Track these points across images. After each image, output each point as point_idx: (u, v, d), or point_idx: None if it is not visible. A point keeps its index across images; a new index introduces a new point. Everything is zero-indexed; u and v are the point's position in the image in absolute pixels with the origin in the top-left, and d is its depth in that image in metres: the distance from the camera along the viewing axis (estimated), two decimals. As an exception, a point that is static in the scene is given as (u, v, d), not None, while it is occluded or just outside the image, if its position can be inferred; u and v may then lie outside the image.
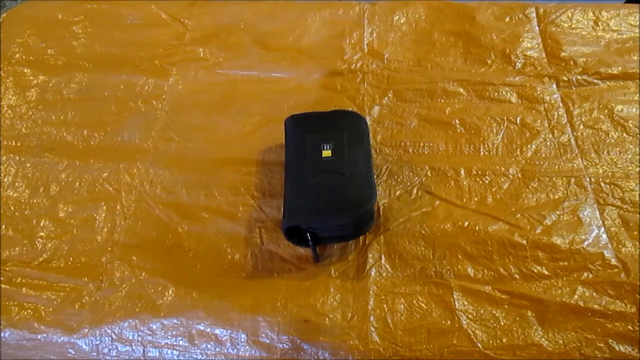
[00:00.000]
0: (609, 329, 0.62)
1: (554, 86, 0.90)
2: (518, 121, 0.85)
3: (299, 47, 1.00)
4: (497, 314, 0.64)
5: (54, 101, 0.91)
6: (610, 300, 0.64)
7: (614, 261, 0.67)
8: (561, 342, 0.61)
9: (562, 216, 0.72)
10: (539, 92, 0.89)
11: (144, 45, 1.00)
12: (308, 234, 0.65)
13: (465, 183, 0.77)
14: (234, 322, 0.64)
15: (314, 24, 1.04)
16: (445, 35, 1.00)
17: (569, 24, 1.00)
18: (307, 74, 0.94)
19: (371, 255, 0.69)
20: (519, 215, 0.72)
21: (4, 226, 0.75)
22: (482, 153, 0.81)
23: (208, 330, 0.64)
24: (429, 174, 0.78)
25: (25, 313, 0.66)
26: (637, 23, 1.00)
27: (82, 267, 0.70)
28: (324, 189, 0.68)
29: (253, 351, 0.63)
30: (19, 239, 0.73)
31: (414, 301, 0.65)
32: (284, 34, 1.02)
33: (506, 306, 0.64)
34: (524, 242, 0.69)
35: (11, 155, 0.83)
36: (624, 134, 0.82)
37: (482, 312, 0.64)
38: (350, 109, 0.87)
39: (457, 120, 0.85)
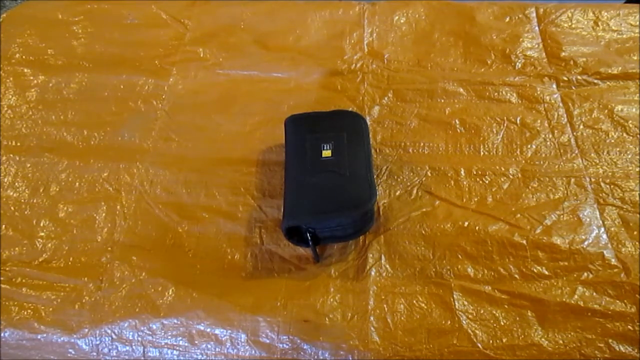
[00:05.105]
0: (609, 329, 0.62)
1: (554, 86, 0.90)
2: (518, 121, 0.85)
3: (299, 47, 1.00)
4: (497, 314, 0.64)
5: (54, 101, 0.91)
6: (610, 300, 0.64)
7: (614, 261, 0.67)
8: (561, 342, 0.61)
9: (562, 216, 0.72)
10: (539, 92, 0.89)
11: (144, 45, 1.00)
12: (308, 234, 0.65)
13: (465, 183, 0.77)
14: (234, 322, 0.64)
15: (314, 24, 1.04)
16: (445, 35, 1.00)
17: (569, 24, 1.00)
18: (307, 74, 0.94)
19: (371, 255, 0.69)
20: (519, 215, 0.72)
21: (4, 226, 0.75)
22: (482, 153, 0.81)
23: (208, 330, 0.64)
24: (429, 174, 0.78)
25: (25, 313, 0.66)
26: (637, 23, 1.00)
27: (82, 267, 0.70)
28: (324, 189, 0.68)
29: (253, 351, 0.63)
30: (19, 239, 0.73)
31: (414, 301, 0.65)
32: (284, 34, 1.02)
33: (506, 306, 0.64)
34: (524, 242, 0.69)
35: (11, 155, 0.83)
36: (624, 134, 0.82)
37: (482, 312, 0.64)
38: (350, 109, 0.87)
39: (457, 120, 0.85)
